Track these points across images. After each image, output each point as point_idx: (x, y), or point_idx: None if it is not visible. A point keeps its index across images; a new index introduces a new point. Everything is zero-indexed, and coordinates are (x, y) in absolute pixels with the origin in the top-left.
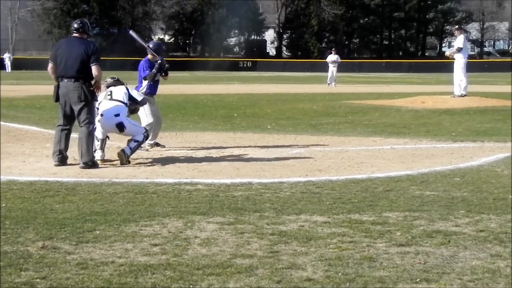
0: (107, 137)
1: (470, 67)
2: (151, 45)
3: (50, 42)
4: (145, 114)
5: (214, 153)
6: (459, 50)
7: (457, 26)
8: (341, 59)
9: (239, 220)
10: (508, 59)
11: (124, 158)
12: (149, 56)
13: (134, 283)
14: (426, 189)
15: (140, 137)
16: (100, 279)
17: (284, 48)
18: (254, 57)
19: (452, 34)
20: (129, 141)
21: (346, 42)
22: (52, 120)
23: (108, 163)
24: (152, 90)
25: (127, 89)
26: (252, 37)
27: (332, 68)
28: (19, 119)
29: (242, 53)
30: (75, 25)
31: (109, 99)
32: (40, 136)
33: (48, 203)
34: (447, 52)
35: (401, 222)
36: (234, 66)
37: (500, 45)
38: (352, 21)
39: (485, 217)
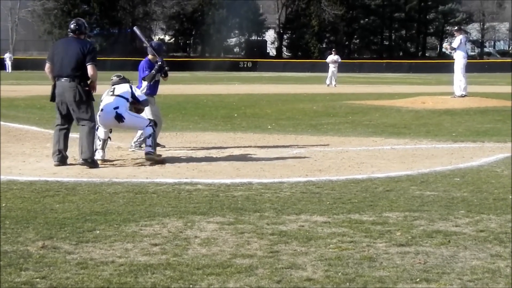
0: (109, 138)
1: (471, 68)
2: (151, 46)
3: (50, 42)
4: (145, 114)
5: (214, 153)
6: (453, 49)
7: (456, 27)
8: (341, 59)
9: (239, 220)
10: (508, 60)
11: (153, 157)
12: (150, 57)
13: (134, 282)
14: (426, 189)
15: (148, 130)
16: (100, 279)
17: (284, 49)
18: (254, 58)
19: (452, 35)
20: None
21: (347, 43)
22: (52, 120)
23: (108, 163)
24: (152, 90)
25: (131, 87)
26: (253, 37)
27: (332, 69)
28: (20, 119)
29: (242, 54)
30: (71, 26)
31: (110, 95)
32: (40, 136)
33: (48, 203)
34: (445, 44)
35: (401, 222)
36: (234, 67)
37: (501, 45)
38: (352, 21)
39: (485, 217)
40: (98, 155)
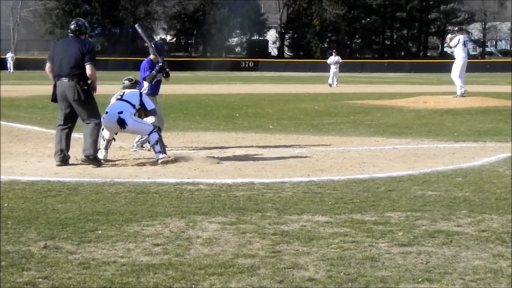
0: (114, 139)
1: (472, 67)
2: (153, 45)
3: (52, 42)
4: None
5: (216, 153)
6: (450, 47)
7: (456, 28)
8: (343, 59)
9: (241, 220)
10: (510, 59)
11: (168, 161)
12: (152, 56)
13: (136, 283)
14: (428, 189)
15: (153, 138)
16: (102, 279)
17: (286, 48)
18: (256, 57)
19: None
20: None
21: (348, 42)
22: (54, 120)
23: (110, 163)
24: (154, 90)
25: (141, 95)
26: (254, 37)
27: (333, 69)
28: (21, 119)
29: (244, 53)
30: (72, 27)
31: (118, 99)
32: (42, 136)
33: (50, 203)
34: (449, 35)
35: (403, 222)
36: (236, 66)
37: (502, 45)
38: (354, 21)
39: (487, 217)
40: (100, 155)
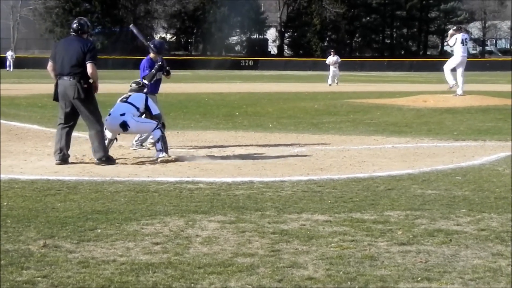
0: (116, 138)
1: (472, 66)
2: (152, 44)
3: (52, 40)
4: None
5: (216, 152)
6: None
7: (455, 27)
8: (343, 57)
9: (241, 219)
10: (510, 58)
11: (168, 160)
12: (151, 55)
13: (135, 281)
14: (427, 188)
15: (156, 134)
16: (102, 278)
17: (285, 47)
18: (255, 56)
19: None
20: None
21: (348, 41)
22: (54, 118)
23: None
24: (154, 89)
25: (147, 99)
26: (254, 36)
27: (333, 69)
28: (21, 118)
29: (243, 52)
30: (74, 26)
31: (124, 101)
32: (42, 134)
33: (50, 202)
34: (450, 31)
35: (402, 221)
36: (235, 65)
37: (502, 44)
38: (354, 19)
39: (486, 216)
40: None
